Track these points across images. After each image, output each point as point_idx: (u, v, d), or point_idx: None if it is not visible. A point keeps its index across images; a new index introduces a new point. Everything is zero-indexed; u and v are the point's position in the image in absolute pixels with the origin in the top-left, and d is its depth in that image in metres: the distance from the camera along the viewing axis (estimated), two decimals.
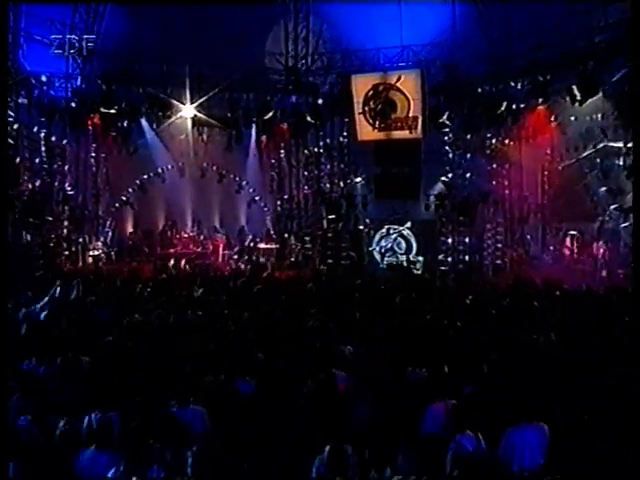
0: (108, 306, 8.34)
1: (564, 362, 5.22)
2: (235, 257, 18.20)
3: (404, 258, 16.39)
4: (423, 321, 6.93)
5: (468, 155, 14.74)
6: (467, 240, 15.16)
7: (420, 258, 16.21)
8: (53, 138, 16.22)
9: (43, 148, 16.28)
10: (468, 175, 14.82)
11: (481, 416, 3.86)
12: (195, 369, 4.95)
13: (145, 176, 19.31)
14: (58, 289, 7.85)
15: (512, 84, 13.20)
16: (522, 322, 7.18)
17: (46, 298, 7.62)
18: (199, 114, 15.53)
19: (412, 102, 14.63)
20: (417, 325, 6.51)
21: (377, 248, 16.65)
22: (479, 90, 13.75)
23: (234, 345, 5.56)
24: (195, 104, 15.32)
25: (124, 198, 19.25)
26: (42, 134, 14.95)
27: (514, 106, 13.92)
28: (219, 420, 4.11)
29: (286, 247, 19.37)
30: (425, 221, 16.06)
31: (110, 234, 19.19)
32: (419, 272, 16.12)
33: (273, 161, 20.27)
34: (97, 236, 18.53)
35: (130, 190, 19.28)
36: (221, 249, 19.09)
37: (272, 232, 20.26)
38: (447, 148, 14.98)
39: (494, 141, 15.19)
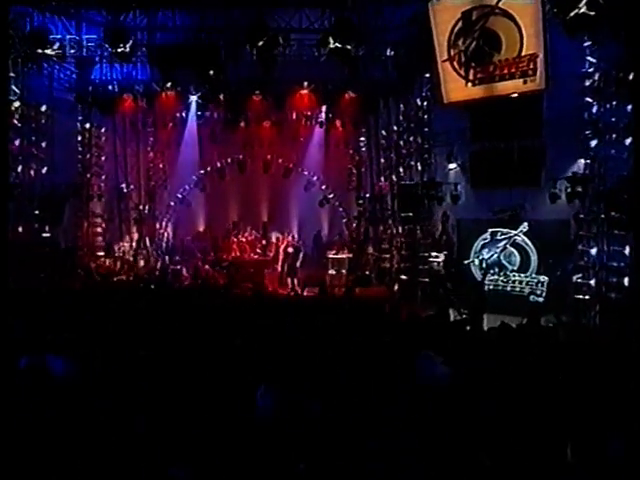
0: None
1: None
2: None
3: (517, 277, 10.85)
4: None
5: (628, 108, 8.76)
6: (626, 251, 9.13)
7: (543, 278, 10.53)
8: (87, 125, 14.29)
9: (80, 137, 14.52)
10: (627, 142, 8.83)
11: None
12: None
13: (202, 171, 16.69)
14: None
15: None
16: None
17: None
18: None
19: (526, 31, 9.31)
20: None
21: (477, 262, 11.35)
22: None
23: None
24: None
25: (180, 196, 16.85)
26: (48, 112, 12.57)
27: None
28: None
29: (362, 257, 15.07)
30: (552, 221, 10.39)
31: (166, 236, 17.02)
32: (540, 299, 10.48)
33: (351, 150, 16.25)
34: (153, 239, 16.39)
35: (186, 187, 16.83)
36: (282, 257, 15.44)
37: (347, 238, 16.31)
38: (588, 100, 9.21)
39: None
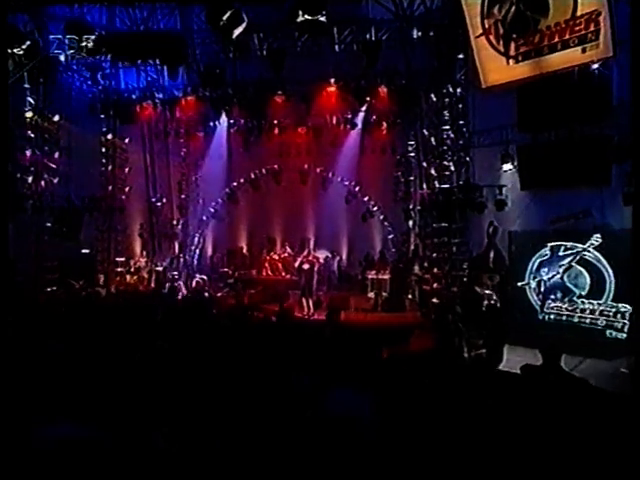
0: None
1: None
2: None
3: (587, 305, 8.35)
4: None
5: None
6: None
7: (623, 307, 7.96)
8: (110, 136, 13.88)
9: (104, 149, 14.17)
10: None
11: None
12: None
13: (235, 183, 15.83)
14: None
15: None
16: None
17: None
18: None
19: None
20: None
21: (534, 284, 8.99)
22: None
23: None
24: None
25: (212, 210, 16.14)
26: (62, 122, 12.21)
27: None
28: None
29: (407, 277, 13.13)
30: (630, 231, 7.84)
31: (197, 254, 16.37)
32: (621, 335, 7.90)
33: (398, 156, 14.49)
34: (184, 257, 15.80)
35: (219, 200, 16.07)
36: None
37: (394, 256, 14.50)
38: None
39: None
